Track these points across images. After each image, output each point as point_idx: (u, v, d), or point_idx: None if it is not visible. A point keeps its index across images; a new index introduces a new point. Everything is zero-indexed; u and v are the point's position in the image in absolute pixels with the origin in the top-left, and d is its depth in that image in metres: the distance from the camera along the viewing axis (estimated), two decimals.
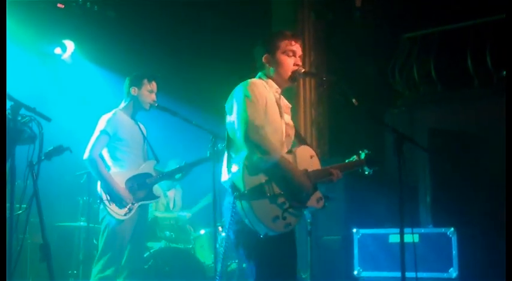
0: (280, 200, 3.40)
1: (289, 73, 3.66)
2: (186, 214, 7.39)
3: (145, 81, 5.31)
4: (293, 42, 3.67)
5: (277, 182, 3.41)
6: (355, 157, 3.90)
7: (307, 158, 3.64)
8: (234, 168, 3.43)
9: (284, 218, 3.39)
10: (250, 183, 3.36)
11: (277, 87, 3.68)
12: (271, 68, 3.67)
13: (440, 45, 7.63)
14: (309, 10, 8.58)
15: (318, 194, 3.60)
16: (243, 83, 3.57)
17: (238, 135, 3.44)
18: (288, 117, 3.75)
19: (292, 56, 3.67)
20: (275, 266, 3.43)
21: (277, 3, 8.50)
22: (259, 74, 3.72)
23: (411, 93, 7.80)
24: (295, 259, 3.62)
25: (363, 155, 3.89)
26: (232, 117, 3.51)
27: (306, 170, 3.59)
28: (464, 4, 7.38)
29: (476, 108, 7.18)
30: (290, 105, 3.83)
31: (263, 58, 3.68)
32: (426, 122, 7.39)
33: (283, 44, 3.66)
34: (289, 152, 3.62)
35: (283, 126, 3.65)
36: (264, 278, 3.42)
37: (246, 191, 3.34)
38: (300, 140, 3.86)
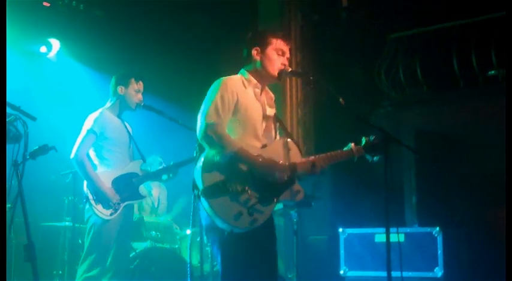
0: (244, 196, 3.38)
1: (276, 70, 3.67)
2: (168, 218, 7.36)
3: (133, 80, 5.28)
4: (283, 43, 3.71)
5: (238, 179, 3.39)
6: (350, 145, 3.77)
7: (283, 152, 3.62)
8: (196, 166, 3.45)
9: (250, 215, 3.37)
10: (208, 181, 3.36)
11: (257, 82, 3.69)
12: (259, 61, 3.68)
13: (426, 46, 7.67)
14: (295, 10, 8.60)
15: (296, 187, 3.58)
16: (217, 80, 3.60)
17: (197, 134, 3.50)
18: (270, 110, 3.74)
19: (281, 56, 3.69)
20: (241, 264, 3.41)
21: (263, 4, 8.50)
22: (242, 70, 3.74)
23: (397, 94, 7.83)
24: (270, 256, 3.57)
25: (363, 142, 3.78)
26: (198, 115, 3.56)
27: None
28: (450, 5, 7.42)
29: (461, 109, 7.22)
30: (273, 97, 3.83)
31: (253, 50, 3.69)
32: (412, 123, 7.42)
33: (275, 41, 3.69)
34: (264, 146, 3.61)
35: (263, 120, 3.65)
36: (231, 275, 3.41)
37: (204, 190, 3.34)
38: (285, 132, 3.84)
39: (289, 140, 3.71)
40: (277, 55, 3.68)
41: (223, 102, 3.49)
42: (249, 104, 3.60)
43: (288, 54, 3.73)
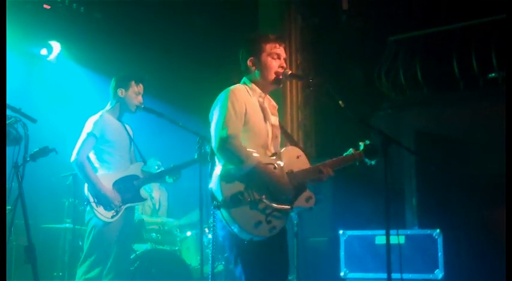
0: (262, 205, 3.41)
1: (273, 76, 3.67)
2: (174, 222, 7.36)
3: (133, 83, 5.27)
4: (277, 45, 3.69)
5: (256, 188, 3.42)
6: (351, 150, 3.80)
7: (293, 159, 3.65)
8: (213, 177, 3.47)
9: (269, 222, 3.41)
10: (227, 192, 3.39)
11: (261, 91, 3.70)
12: (257, 71, 3.68)
13: (426, 48, 7.68)
14: (295, 13, 8.61)
15: (307, 193, 3.61)
16: (224, 90, 3.60)
17: (213, 146, 3.50)
18: (275, 119, 3.76)
19: (277, 59, 3.68)
20: (262, 270, 3.44)
21: (264, 6, 8.51)
22: (244, 79, 3.74)
23: (397, 96, 7.84)
24: (285, 262, 3.62)
25: (361, 147, 3.81)
26: (211, 127, 3.56)
27: (291, 171, 3.60)
28: (450, 7, 7.43)
29: (462, 111, 7.22)
30: (276, 106, 3.84)
31: (248, 61, 3.69)
32: (412, 124, 7.42)
33: (268, 46, 3.67)
34: (274, 154, 3.63)
35: (269, 129, 3.67)
36: None
37: (224, 200, 3.37)
38: (289, 140, 3.87)
39: (296, 147, 3.74)
40: (273, 59, 3.67)
41: (236, 113, 3.50)
42: (256, 114, 3.61)
43: (284, 55, 3.72)
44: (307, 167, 3.67)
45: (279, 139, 3.78)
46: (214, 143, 3.48)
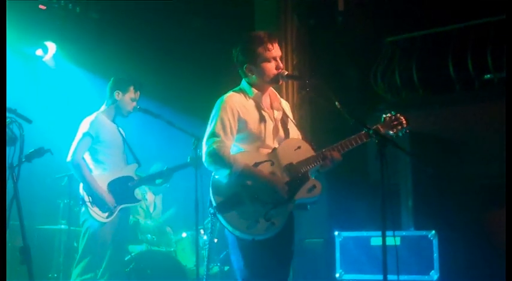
0: (257, 205, 3.44)
1: (272, 76, 3.65)
2: (160, 219, 7.35)
3: (131, 88, 5.29)
4: (270, 46, 3.63)
5: (248, 190, 3.45)
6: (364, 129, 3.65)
7: (291, 151, 3.62)
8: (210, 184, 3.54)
9: (267, 220, 3.43)
10: (220, 198, 3.46)
11: (259, 91, 3.69)
12: (254, 76, 3.67)
13: (422, 49, 7.68)
14: (292, 14, 8.59)
15: (310, 182, 3.59)
16: (219, 99, 3.63)
17: (202, 159, 3.56)
18: (278, 113, 3.74)
19: (273, 61, 3.65)
20: (264, 269, 3.46)
21: (260, 7, 8.49)
22: (243, 82, 3.74)
23: (393, 98, 7.84)
24: (286, 261, 3.63)
25: (382, 119, 3.75)
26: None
27: (290, 164, 3.58)
28: (446, 9, 7.44)
29: (457, 112, 7.23)
30: (280, 99, 3.82)
31: (245, 68, 3.67)
32: (408, 126, 7.41)
33: (262, 50, 3.62)
34: (273, 150, 3.61)
35: (269, 126, 3.65)
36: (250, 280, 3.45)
37: (218, 206, 3.44)
38: (297, 130, 3.84)
39: (294, 138, 3.72)
40: (269, 63, 3.64)
41: (224, 123, 3.53)
42: (252, 116, 3.62)
43: (279, 54, 3.68)
44: (309, 155, 3.62)
45: (283, 133, 3.73)
46: (203, 154, 3.55)
